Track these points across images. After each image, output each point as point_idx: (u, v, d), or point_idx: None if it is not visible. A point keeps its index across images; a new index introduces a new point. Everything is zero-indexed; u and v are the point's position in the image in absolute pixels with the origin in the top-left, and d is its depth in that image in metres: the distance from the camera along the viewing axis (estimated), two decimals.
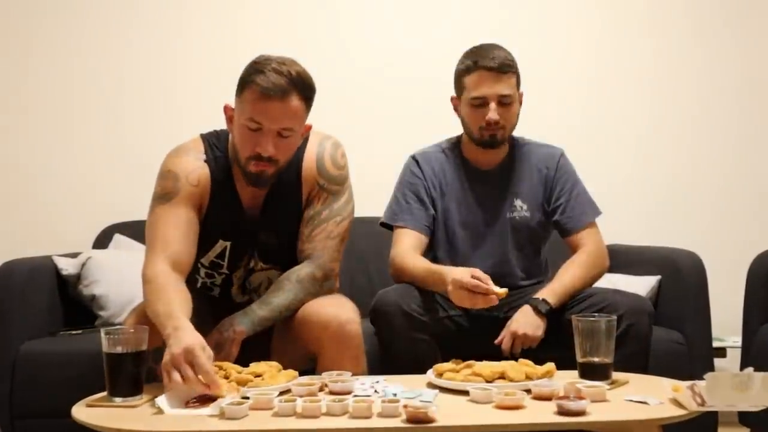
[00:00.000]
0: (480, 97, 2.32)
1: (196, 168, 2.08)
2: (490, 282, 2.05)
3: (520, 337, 2.17)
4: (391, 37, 3.41)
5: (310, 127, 2.09)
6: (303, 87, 1.98)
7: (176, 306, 1.82)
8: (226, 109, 2.07)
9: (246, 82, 1.98)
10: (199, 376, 1.68)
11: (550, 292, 2.24)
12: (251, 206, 2.13)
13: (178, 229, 2.02)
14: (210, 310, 2.14)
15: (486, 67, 2.31)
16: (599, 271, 2.34)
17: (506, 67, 2.32)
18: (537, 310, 2.19)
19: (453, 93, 2.44)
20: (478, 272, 2.07)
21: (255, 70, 1.97)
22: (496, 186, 2.42)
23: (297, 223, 2.14)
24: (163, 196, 2.05)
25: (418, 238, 2.37)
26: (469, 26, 3.37)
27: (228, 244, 2.13)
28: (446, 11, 3.43)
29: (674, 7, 3.44)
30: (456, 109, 2.43)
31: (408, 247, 2.34)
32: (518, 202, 2.41)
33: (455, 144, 2.49)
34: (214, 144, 2.13)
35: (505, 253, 2.40)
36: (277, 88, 1.94)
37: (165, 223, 2.02)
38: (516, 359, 1.95)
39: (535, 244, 2.45)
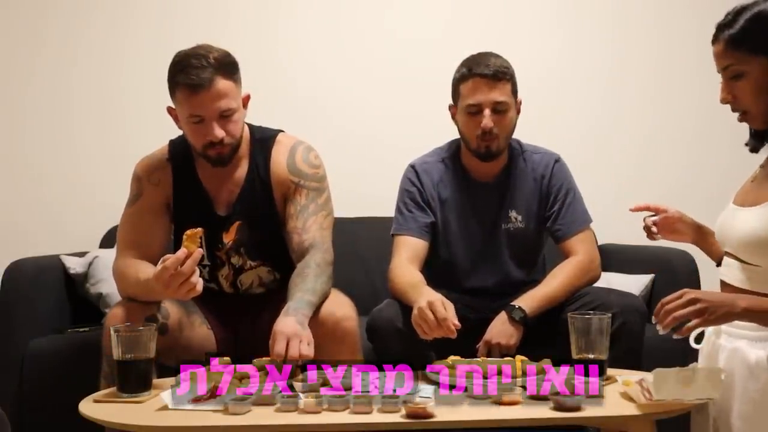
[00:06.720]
0: (475, 105, 2.31)
1: (157, 168, 2.23)
2: (451, 313, 2.00)
3: (495, 346, 2.19)
4: (400, 38, 3.43)
5: (248, 96, 2.19)
6: (224, 68, 2.08)
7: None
8: (170, 110, 2.17)
9: (173, 84, 2.09)
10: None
11: (528, 299, 2.24)
12: (222, 201, 2.23)
13: (143, 225, 2.17)
14: (221, 308, 2.24)
15: (480, 75, 2.29)
16: (588, 279, 2.32)
17: (501, 74, 2.30)
18: (512, 318, 2.20)
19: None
20: (437, 304, 2.00)
21: (177, 70, 2.07)
22: (493, 197, 2.42)
23: (272, 221, 2.22)
24: (131, 198, 2.22)
25: (415, 245, 2.36)
26: (473, 28, 3.40)
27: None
28: (451, 14, 3.45)
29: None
30: (453, 117, 2.42)
31: (402, 259, 2.31)
32: (513, 214, 2.41)
33: (455, 153, 2.47)
34: (178, 144, 2.25)
35: (503, 264, 2.41)
36: (201, 80, 2.03)
37: (131, 222, 2.19)
38: None
39: (531, 253, 2.46)
